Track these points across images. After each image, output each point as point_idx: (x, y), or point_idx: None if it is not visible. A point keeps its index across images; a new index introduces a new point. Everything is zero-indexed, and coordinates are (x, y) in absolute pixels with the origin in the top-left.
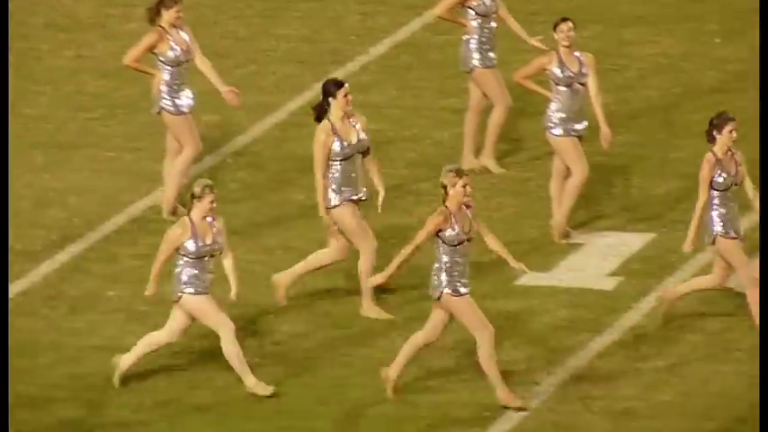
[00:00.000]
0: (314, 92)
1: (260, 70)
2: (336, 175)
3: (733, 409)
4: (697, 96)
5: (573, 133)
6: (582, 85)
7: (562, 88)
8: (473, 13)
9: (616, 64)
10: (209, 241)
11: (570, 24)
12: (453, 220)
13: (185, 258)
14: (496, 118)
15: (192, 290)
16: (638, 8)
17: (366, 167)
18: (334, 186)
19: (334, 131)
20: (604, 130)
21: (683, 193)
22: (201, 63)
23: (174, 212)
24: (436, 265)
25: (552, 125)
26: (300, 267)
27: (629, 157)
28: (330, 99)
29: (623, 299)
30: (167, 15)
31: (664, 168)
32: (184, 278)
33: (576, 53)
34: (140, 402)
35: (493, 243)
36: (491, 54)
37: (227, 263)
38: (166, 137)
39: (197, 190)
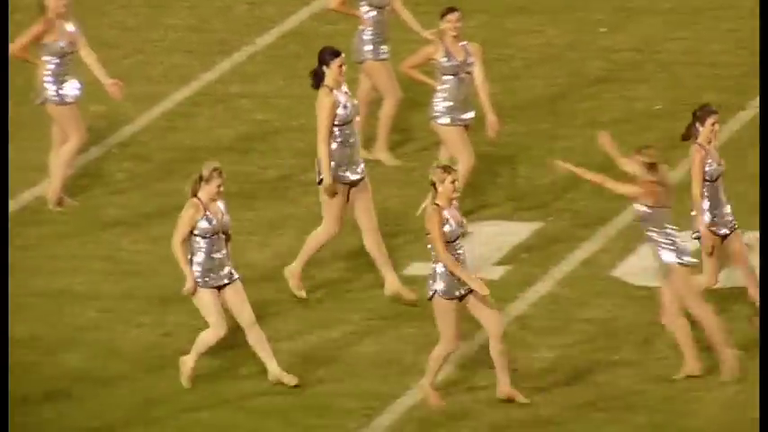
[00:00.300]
0: (202, 82)
1: (148, 60)
2: (339, 140)
3: (622, 399)
4: (583, 86)
5: (459, 123)
6: (468, 74)
7: (448, 77)
8: (367, 4)
9: (502, 54)
10: (221, 219)
11: (458, 14)
12: (447, 215)
13: (200, 241)
14: (387, 111)
15: (200, 281)
16: None
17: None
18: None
19: (336, 97)
20: (491, 118)
21: (569, 183)
22: (87, 55)
23: (59, 203)
24: (434, 266)
25: (438, 114)
26: (304, 252)
27: (516, 147)
28: (324, 68)
29: (509, 288)
30: (54, 5)
31: (550, 158)
32: (198, 269)
33: (463, 42)
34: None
35: None
36: (383, 47)
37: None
38: (52, 128)
39: (205, 173)
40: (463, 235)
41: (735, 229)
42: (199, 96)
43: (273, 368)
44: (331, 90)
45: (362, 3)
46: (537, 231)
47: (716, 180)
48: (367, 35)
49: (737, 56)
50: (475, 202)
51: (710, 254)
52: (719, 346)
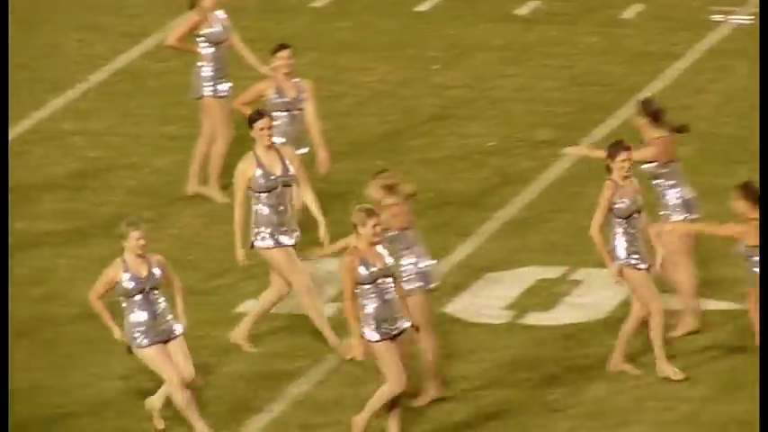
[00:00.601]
0: (33, 120)
1: None
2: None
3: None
4: (416, 123)
5: None
6: (300, 110)
7: (280, 114)
8: (204, 41)
9: (334, 91)
10: (144, 274)
11: (289, 51)
12: (366, 258)
13: (129, 300)
14: (219, 149)
15: (144, 341)
16: (354, 35)
17: None
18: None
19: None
20: (322, 155)
21: None
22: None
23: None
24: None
25: None
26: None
27: (349, 184)
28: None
29: (343, 325)
30: None
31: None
32: (135, 327)
33: (295, 79)
34: None
35: None
36: (223, 84)
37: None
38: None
39: (122, 229)
40: (387, 276)
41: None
42: (30, 134)
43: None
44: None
45: (200, 39)
46: None
47: (628, 217)
48: (205, 72)
49: (570, 92)
50: (310, 238)
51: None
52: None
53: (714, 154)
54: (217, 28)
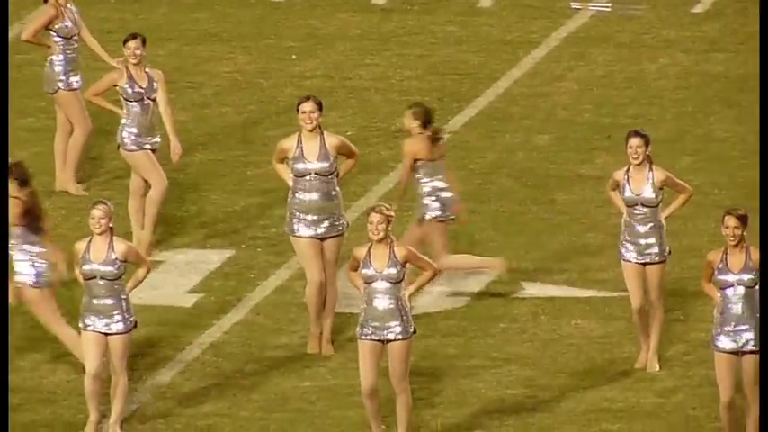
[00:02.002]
0: None
1: None
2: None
3: (313, 425)
4: (274, 113)
5: (146, 148)
6: (152, 100)
7: (132, 104)
8: (57, 35)
9: (192, 81)
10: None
11: (138, 42)
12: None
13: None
14: (76, 141)
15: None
16: (213, 25)
17: None
18: None
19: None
20: (174, 143)
21: (260, 210)
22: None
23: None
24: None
25: (125, 142)
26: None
27: (207, 175)
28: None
29: (204, 316)
30: None
31: (241, 185)
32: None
33: (147, 69)
34: None
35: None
36: (75, 77)
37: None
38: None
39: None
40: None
41: (655, 261)
42: None
43: (113, 421)
44: None
45: (52, 33)
46: (230, 258)
47: (631, 206)
48: (57, 65)
49: (428, 82)
50: (167, 230)
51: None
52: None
53: (573, 141)
54: (68, 22)
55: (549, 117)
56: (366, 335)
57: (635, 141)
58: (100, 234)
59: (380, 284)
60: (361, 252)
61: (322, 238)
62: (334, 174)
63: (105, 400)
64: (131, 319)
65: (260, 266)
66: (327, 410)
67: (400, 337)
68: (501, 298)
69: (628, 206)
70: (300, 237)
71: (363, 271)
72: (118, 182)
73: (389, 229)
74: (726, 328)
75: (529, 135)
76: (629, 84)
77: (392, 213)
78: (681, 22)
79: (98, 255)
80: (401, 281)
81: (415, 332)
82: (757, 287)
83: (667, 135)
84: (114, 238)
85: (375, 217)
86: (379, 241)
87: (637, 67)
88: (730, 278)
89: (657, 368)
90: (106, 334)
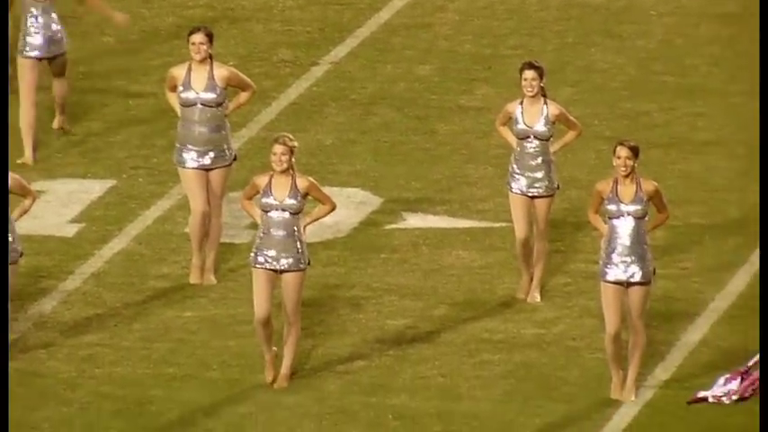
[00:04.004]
0: None
1: None
2: None
3: (195, 355)
4: (155, 42)
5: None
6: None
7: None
8: None
9: (74, 11)
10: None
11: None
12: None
13: None
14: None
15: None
16: None
17: None
18: None
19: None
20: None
21: (142, 140)
22: None
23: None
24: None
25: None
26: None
27: (89, 104)
28: None
29: (85, 245)
30: None
31: (123, 115)
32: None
33: None
34: None
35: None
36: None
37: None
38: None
39: None
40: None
41: (543, 194)
42: None
43: None
44: None
45: None
46: (111, 189)
47: (523, 139)
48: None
49: (310, 12)
50: (47, 159)
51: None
52: None
53: (455, 72)
54: None
55: (430, 48)
56: (260, 263)
57: (529, 74)
58: None
59: (279, 214)
60: (261, 181)
61: (208, 169)
62: (222, 105)
63: None
64: (17, 249)
65: (141, 196)
66: (208, 340)
67: (294, 267)
68: (382, 228)
69: (519, 138)
70: (187, 167)
71: (263, 200)
72: None
73: (292, 160)
74: (614, 259)
75: (410, 66)
76: (510, 15)
77: (295, 144)
78: None
79: None
80: (300, 212)
81: (309, 264)
82: (646, 219)
83: (548, 66)
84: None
85: (279, 148)
86: (282, 172)
87: None
88: (621, 208)
89: (539, 299)
90: None
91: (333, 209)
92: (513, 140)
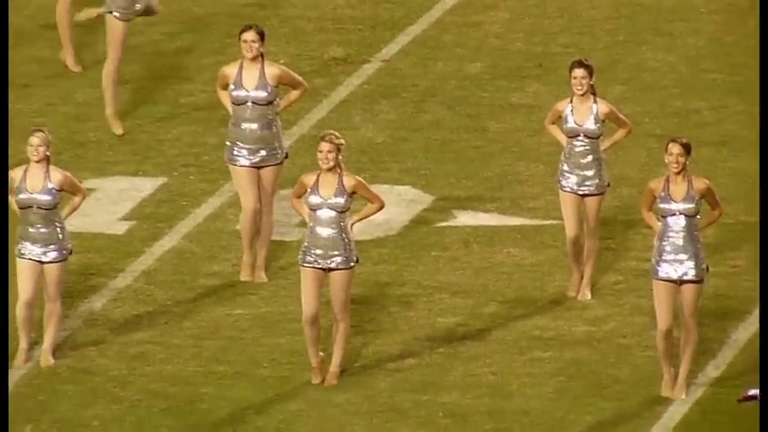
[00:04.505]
0: None
1: None
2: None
3: (245, 353)
4: (209, 41)
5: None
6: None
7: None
8: None
9: None
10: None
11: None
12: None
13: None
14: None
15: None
16: None
17: None
18: None
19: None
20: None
21: (193, 138)
22: None
23: None
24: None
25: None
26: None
27: (140, 102)
28: None
29: (135, 243)
30: None
31: (174, 113)
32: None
33: None
34: None
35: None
36: None
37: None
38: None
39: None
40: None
41: (594, 192)
42: None
43: (46, 348)
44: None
45: None
46: (162, 186)
47: (573, 137)
48: None
49: (361, 10)
50: (98, 157)
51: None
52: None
53: (505, 70)
54: None
55: (481, 45)
56: (309, 262)
57: (579, 72)
58: (37, 162)
59: (326, 213)
60: (309, 179)
61: (259, 167)
62: (273, 103)
63: (36, 327)
64: (67, 247)
65: (192, 194)
66: (259, 338)
67: (342, 266)
68: (433, 226)
69: (569, 137)
70: (238, 165)
71: (310, 198)
72: None
73: (339, 157)
74: (666, 257)
75: (461, 63)
76: (561, 13)
77: (342, 142)
78: None
79: (34, 184)
80: (347, 210)
81: (357, 261)
82: (698, 217)
83: (599, 64)
84: (51, 166)
85: (325, 146)
86: (329, 170)
87: None
88: (672, 207)
89: (589, 297)
90: (41, 262)
91: (381, 207)
92: (562, 139)
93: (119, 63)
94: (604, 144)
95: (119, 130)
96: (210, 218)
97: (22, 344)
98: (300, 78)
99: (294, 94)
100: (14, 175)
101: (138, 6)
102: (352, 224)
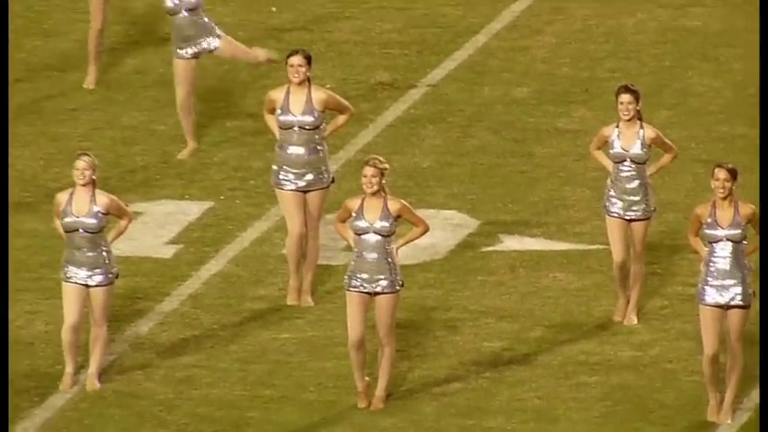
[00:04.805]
0: None
1: None
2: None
3: (291, 377)
4: (253, 65)
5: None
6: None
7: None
8: None
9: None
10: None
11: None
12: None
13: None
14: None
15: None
16: None
17: None
18: None
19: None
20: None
21: (239, 162)
22: None
23: None
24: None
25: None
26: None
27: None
28: None
29: (182, 267)
30: None
31: (221, 137)
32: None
33: None
34: None
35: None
36: None
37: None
38: None
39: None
40: (375, 233)
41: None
42: None
43: (92, 372)
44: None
45: None
46: (209, 210)
47: (619, 162)
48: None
49: (408, 35)
50: (146, 181)
51: None
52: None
53: (552, 95)
54: None
55: (527, 70)
56: (354, 287)
57: (626, 97)
58: (83, 185)
59: (371, 237)
60: (353, 204)
61: (305, 191)
62: (320, 128)
63: (82, 351)
64: (113, 270)
65: (239, 218)
66: (305, 362)
67: (388, 290)
68: (479, 251)
69: (615, 162)
70: (284, 189)
71: (355, 223)
72: None
73: (383, 182)
74: (713, 282)
75: (507, 88)
76: (607, 38)
77: (386, 166)
78: None
79: (80, 207)
80: (392, 234)
81: (402, 285)
82: (745, 242)
83: (645, 89)
84: (96, 190)
85: (369, 170)
86: (373, 194)
87: (615, 22)
88: (719, 233)
89: (635, 321)
90: (87, 286)
91: (425, 231)
92: (608, 164)
93: (190, 94)
94: (650, 169)
95: None
96: (257, 242)
97: (68, 368)
98: (347, 103)
99: (341, 118)
100: (60, 198)
101: (204, 45)
102: (398, 248)
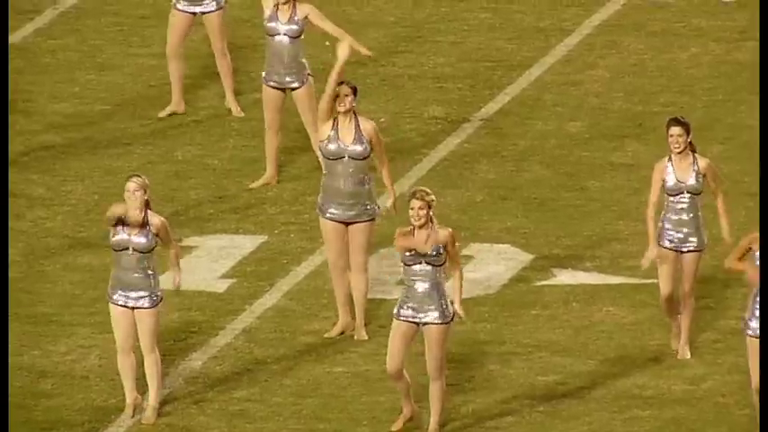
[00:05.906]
0: None
1: None
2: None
3: (345, 411)
4: None
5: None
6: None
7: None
8: None
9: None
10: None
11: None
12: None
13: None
14: None
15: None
16: (244, 12)
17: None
18: None
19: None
20: None
21: (294, 196)
22: None
23: None
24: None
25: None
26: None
27: (241, 160)
28: None
29: (236, 301)
30: None
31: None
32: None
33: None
34: None
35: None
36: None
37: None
38: None
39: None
40: (424, 263)
41: (693, 249)
42: None
43: (153, 404)
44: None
45: None
46: (263, 244)
47: (675, 195)
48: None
49: (461, 69)
50: (199, 215)
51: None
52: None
53: (605, 129)
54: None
55: (581, 104)
56: (403, 316)
57: (676, 130)
58: (136, 209)
59: (421, 267)
60: (405, 232)
61: (350, 223)
62: (368, 158)
63: (140, 384)
64: (158, 293)
65: (293, 252)
66: (359, 396)
67: (438, 321)
68: (532, 285)
69: (671, 195)
70: (327, 219)
71: (405, 253)
72: None
73: (430, 214)
74: (758, 314)
75: (561, 122)
76: (661, 72)
77: (433, 198)
78: (712, 11)
79: (132, 226)
80: (442, 264)
81: (453, 318)
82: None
83: (698, 123)
84: (149, 211)
85: (416, 203)
86: (421, 227)
87: (668, 56)
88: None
89: (688, 356)
90: (133, 308)
91: (461, 275)
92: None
93: (278, 129)
94: (723, 222)
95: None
96: (311, 276)
97: (128, 398)
98: (380, 136)
99: (385, 173)
100: (115, 210)
101: (288, 78)
102: (458, 308)
